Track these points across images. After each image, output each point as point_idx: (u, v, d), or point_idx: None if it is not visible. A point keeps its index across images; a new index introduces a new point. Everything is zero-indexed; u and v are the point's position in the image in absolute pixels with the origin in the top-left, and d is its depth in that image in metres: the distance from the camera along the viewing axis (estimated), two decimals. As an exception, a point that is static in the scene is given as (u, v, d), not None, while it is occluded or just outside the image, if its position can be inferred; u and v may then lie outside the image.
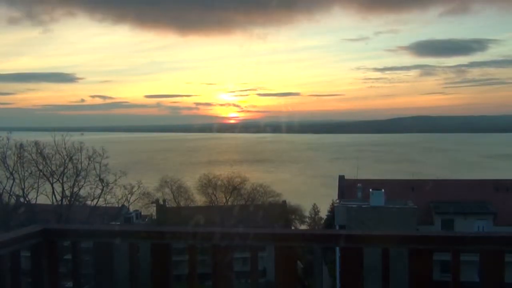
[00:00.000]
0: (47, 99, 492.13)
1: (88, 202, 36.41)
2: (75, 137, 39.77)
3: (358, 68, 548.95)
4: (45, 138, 38.61)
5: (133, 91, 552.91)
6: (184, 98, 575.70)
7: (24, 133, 58.23)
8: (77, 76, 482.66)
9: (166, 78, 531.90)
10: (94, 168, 36.03)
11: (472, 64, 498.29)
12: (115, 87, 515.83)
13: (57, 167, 36.09)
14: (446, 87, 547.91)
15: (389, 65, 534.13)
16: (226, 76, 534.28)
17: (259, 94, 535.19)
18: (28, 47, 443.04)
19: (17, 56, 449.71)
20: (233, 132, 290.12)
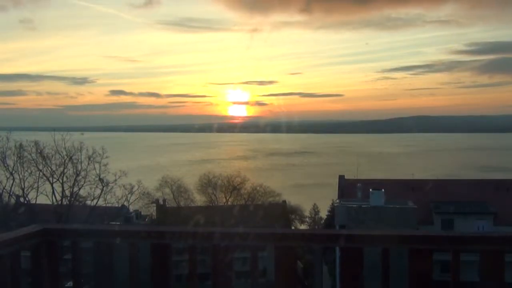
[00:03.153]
0: (55, 100, 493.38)
1: (88, 202, 36.38)
2: (85, 136, 39.90)
3: (358, 69, 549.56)
4: (46, 137, 38.64)
5: (135, 91, 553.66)
6: (183, 98, 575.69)
7: (31, 133, 58.36)
8: (89, 79, 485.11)
9: (166, 79, 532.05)
10: (94, 168, 36.05)
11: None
12: (120, 88, 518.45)
13: (57, 167, 36.11)
14: (446, 88, 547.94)
15: (389, 66, 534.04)
16: (226, 76, 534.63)
17: (262, 95, 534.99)
18: (39, 50, 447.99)
19: (27, 58, 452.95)
20: (232, 132, 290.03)
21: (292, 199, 56.38)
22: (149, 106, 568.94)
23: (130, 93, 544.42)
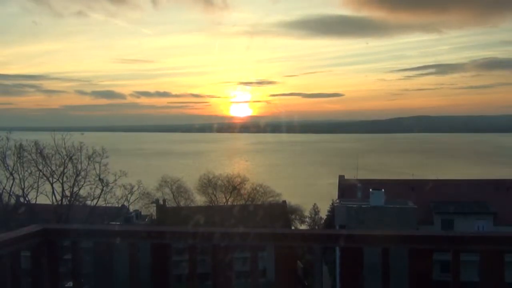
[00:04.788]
0: (56, 100, 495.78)
1: (88, 202, 36.35)
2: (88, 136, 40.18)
3: (359, 69, 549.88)
4: (46, 137, 38.62)
5: (136, 92, 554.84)
6: (182, 98, 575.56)
7: (31, 133, 58.71)
8: (91, 81, 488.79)
9: (166, 80, 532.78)
10: (94, 168, 36.03)
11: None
12: (121, 89, 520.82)
13: (57, 167, 36.08)
14: (446, 88, 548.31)
15: (389, 66, 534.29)
16: (227, 76, 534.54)
17: (263, 95, 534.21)
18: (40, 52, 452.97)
19: (28, 60, 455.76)
20: (233, 132, 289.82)
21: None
22: (149, 107, 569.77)
23: (131, 94, 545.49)
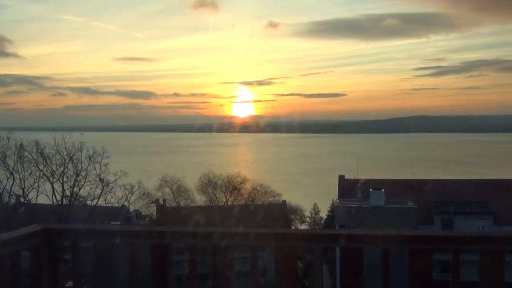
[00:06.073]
0: (56, 100, 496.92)
1: (88, 202, 36.35)
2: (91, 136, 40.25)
3: (358, 70, 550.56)
4: (46, 137, 38.61)
5: (135, 92, 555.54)
6: (182, 98, 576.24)
7: (31, 133, 58.70)
8: (91, 81, 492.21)
9: (165, 81, 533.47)
10: (95, 168, 36.02)
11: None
12: (121, 89, 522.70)
13: (58, 167, 36.07)
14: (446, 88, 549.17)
15: (390, 67, 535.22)
16: (227, 76, 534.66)
17: (264, 95, 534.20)
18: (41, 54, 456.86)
19: (28, 61, 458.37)
20: (233, 132, 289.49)
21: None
22: (150, 107, 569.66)
23: (131, 94, 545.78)
